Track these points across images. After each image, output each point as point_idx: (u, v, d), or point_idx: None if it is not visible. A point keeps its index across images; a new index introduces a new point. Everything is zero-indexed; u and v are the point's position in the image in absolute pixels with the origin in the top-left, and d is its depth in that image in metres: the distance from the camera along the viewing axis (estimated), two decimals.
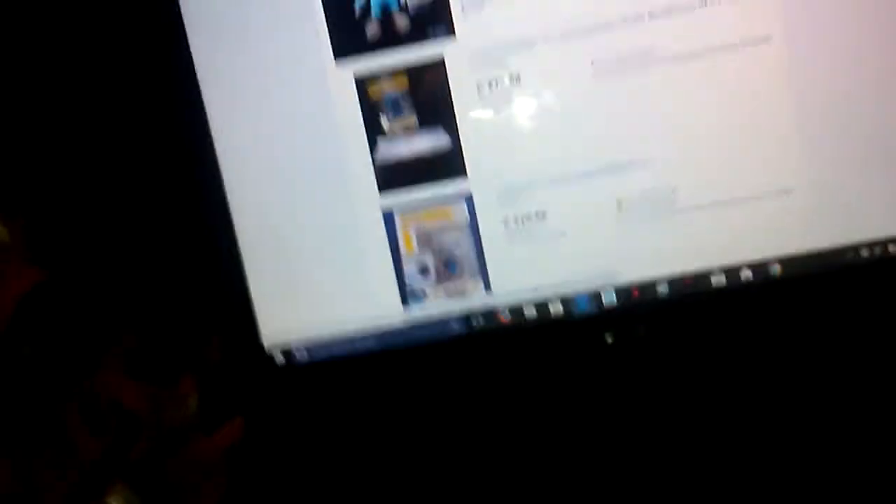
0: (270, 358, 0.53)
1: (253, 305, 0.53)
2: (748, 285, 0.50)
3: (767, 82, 0.48)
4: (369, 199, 0.52)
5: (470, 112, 0.50)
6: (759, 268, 0.50)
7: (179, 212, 0.55)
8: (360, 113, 0.51)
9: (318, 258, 0.52)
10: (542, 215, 0.51)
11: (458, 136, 0.50)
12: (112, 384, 0.53)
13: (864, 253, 0.49)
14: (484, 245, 0.51)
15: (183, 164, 0.53)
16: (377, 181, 0.51)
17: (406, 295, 0.52)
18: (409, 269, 0.52)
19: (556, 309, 0.52)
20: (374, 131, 0.51)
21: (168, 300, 0.56)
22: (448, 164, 0.51)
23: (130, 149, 0.56)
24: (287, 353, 0.54)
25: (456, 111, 0.50)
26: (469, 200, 0.51)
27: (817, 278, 0.49)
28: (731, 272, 0.50)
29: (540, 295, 0.52)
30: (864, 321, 0.50)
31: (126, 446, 0.50)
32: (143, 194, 0.56)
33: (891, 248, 0.49)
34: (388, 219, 0.52)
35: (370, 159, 0.51)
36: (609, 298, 0.51)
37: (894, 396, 0.47)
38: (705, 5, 0.48)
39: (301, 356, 0.54)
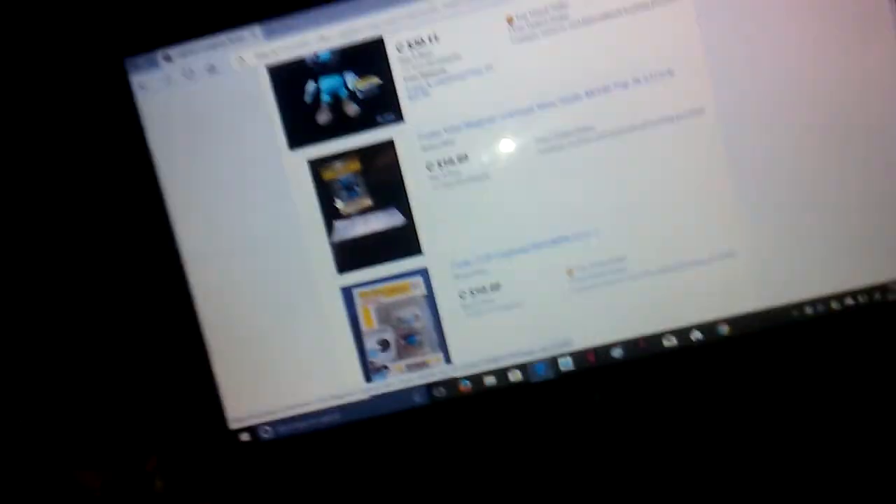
0: (235, 436, 0.54)
1: (218, 385, 0.54)
2: (698, 345, 0.52)
3: (704, 152, 0.51)
4: (328, 279, 0.53)
5: (421, 191, 0.53)
6: (709, 328, 0.52)
7: (143, 294, 0.56)
8: (315, 196, 0.53)
9: (281, 338, 0.54)
10: (496, 287, 0.53)
11: (412, 214, 0.53)
12: (75, 468, 0.54)
13: (808, 310, 0.51)
14: (442, 318, 0.53)
15: (145, 252, 0.55)
16: (335, 261, 0.53)
17: (368, 370, 0.54)
18: (370, 344, 0.54)
19: (515, 377, 0.53)
20: (330, 213, 0.53)
21: (131, 382, 0.57)
22: (403, 242, 0.53)
23: (91, 238, 0.58)
24: (252, 431, 0.55)
25: (408, 191, 0.53)
26: (425, 276, 0.53)
27: (764, 336, 0.52)
28: (682, 333, 0.52)
29: (499, 364, 0.54)
30: (809, 375, 0.52)
31: None
32: (106, 277, 0.58)
33: (833, 304, 0.51)
34: (348, 297, 0.53)
35: (327, 240, 0.53)
36: (566, 364, 0.53)
37: (841, 446, 0.48)
38: (639, 83, 0.50)
39: (266, 433, 0.55)
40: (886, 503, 0.44)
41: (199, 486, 0.56)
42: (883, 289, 0.51)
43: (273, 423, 0.55)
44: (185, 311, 0.54)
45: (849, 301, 0.51)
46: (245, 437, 0.55)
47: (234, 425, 0.55)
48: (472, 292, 0.53)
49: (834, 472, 0.47)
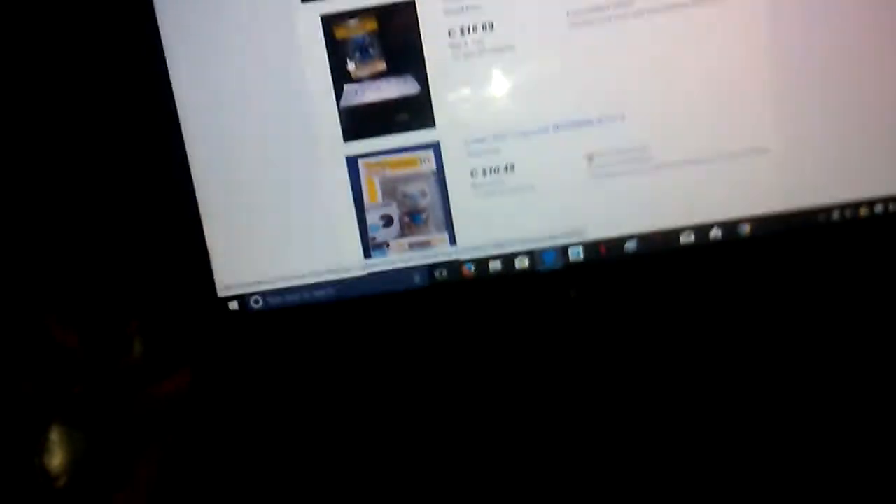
0: (224, 304, 0.52)
1: (208, 250, 0.52)
2: (716, 244, 0.51)
3: (745, 40, 0.49)
4: (333, 146, 0.52)
5: (440, 59, 0.50)
6: (730, 226, 0.51)
7: (133, 150, 0.53)
8: (325, 56, 0.50)
9: (279, 204, 0.52)
10: (510, 168, 0.50)
11: (428, 83, 0.50)
12: (53, 326, 0.52)
13: (835, 215, 0.50)
14: (450, 197, 0.51)
15: (138, 104, 0.52)
16: (342, 128, 0.51)
17: (368, 245, 0.52)
18: (373, 218, 0.52)
19: (522, 264, 0.52)
20: (340, 76, 0.51)
21: (117, 241, 0.54)
22: (416, 113, 0.51)
23: (82, 85, 0.54)
24: (241, 300, 0.53)
25: (426, 58, 0.50)
26: (437, 150, 0.51)
27: (785, 238, 0.51)
28: (701, 230, 0.51)
29: (506, 249, 0.52)
30: (832, 282, 0.51)
31: (63, 385, 0.49)
32: (95, 133, 0.55)
33: (862, 210, 0.50)
34: (352, 166, 0.51)
35: (335, 105, 0.50)
36: (576, 254, 0.51)
37: (862, 359, 0.47)
38: None
39: (256, 303, 0.53)
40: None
41: (181, 352, 0.54)
42: None
43: (264, 294, 0.53)
44: (177, 169, 0.52)
45: (878, 208, 0.49)
46: (234, 305, 0.54)
47: (223, 293, 0.54)
48: (484, 172, 0.51)
49: (843, 385, 0.46)
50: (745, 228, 0.51)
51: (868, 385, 0.45)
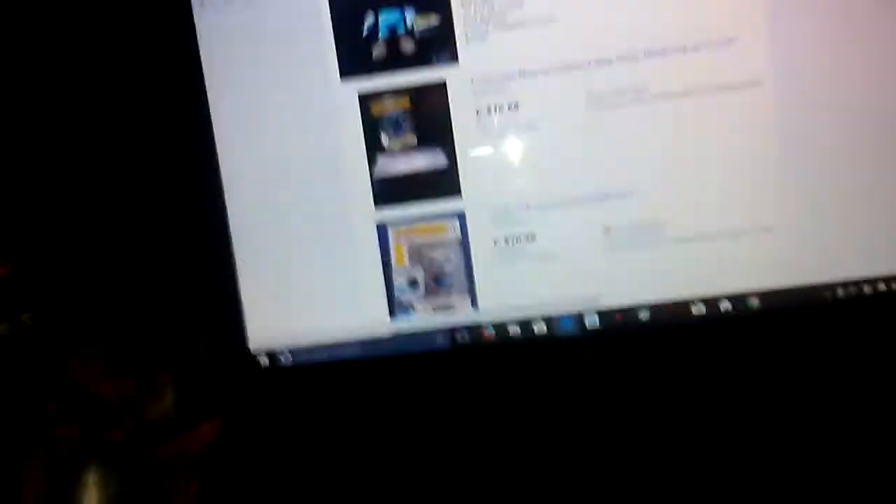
0: (255, 359, 0.55)
1: (242, 306, 0.55)
2: (727, 316, 0.53)
3: (756, 124, 0.52)
4: (365, 212, 0.55)
5: (468, 135, 0.54)
6: (738, 300, 0.53)
7: (176, 208, 0.56)
8: (361, 129, 0.54)
9: (311, 265, 0.55)
10: (531, 237, 0.53)
11: (455, 156, 0.54)
12: (89, 376, 0.54)
13: (840, 292, 0.52)
14: (473, 262, 0.54)
15: (183, 163, 0.56)
16: (374, 195, 0.54)
17: (394, 307, 0.54)
18: (399, 281, 0.54)
19: (540, 328, 0.54)
20: (374, 147, 0.54)
21: (154, 294, 0.57)
22: (444, 183, 0.54)
23: (129, 142, 0.58)
24: (272, 356, 0.55)
25: (454, 133, 0.54)
26: (462, 219, 0.54)
27: (794, 313, 0.53)
28: (711, 302, 0.53)
29: (525, 314, 0.54)
30: (837, 357, 0.52)
31: (102, 432, 0.51)
32: (137, 186, 0.59)
33: (865, 288, 0.51)
34: (382, 232, 0.54)
35: (368, 174, 0.53)
36: (592, 321, 0.54)
37: (865, 429, 0.48)
38: (698, 49, 0.51)
39: (286, 359, 0.56)
40: None
41: (213, 403, 0.56)
42: None
43: (293, 351, 0.56)
44: (217, 229, 0.55)
45: (881, 286, 0.52)
46: (264, 360, 0.56)
47: (253, 348, 0.56)
48: (506, 240, 0.54)
49: (854, 455, 0.47)
50: (754, 302, 0.53)
51: (870, 459, 0.47)
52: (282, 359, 0.57)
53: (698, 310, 0.54)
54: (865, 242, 0.52)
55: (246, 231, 0.56)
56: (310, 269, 0.56)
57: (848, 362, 0.53)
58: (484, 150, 0.54)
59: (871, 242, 0.52)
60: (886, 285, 0.52)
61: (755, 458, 0.49)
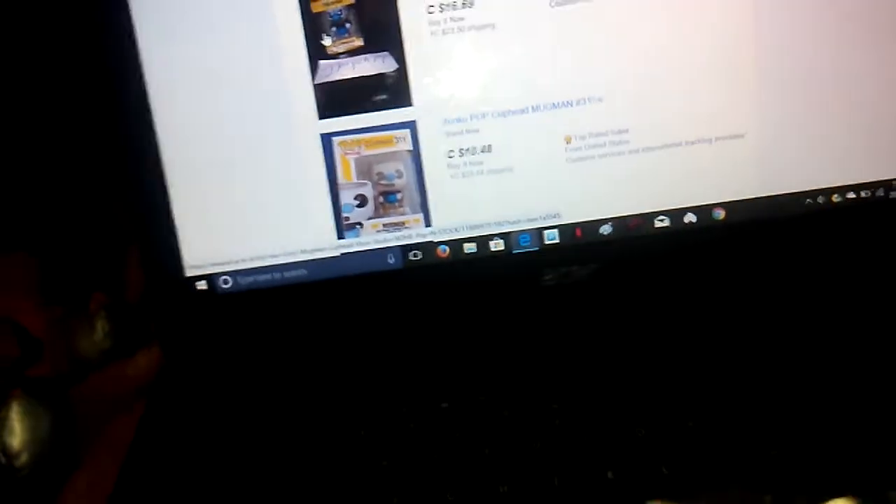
0: (192, 284, 0.52)
1: (175, 228, 0.51)
2: (691, 229, 0.52)
3: (727, 26, 0.49)
4: (307, 124, 0.51)
5: (419, 36, 0.50)
6: (704, 211, 0.51)
7: (100, 124, 0.51)
8: (301, 30, 0.49)
9: (250, 182, 0.51)
10: (487, 149, 0.50)
11: (405, 60, 0.50)
12: (14, 307, 0.50)
13: (808, 201, 0.51)
14: (426, 177, 0.51)
15: (104, 75, 0.50)
16: (317, 104, 0.50)
17: (342, 225, 0.52)
18: (346, 198, 0.51)
19: (497, 245, 0.52)
20: (315, 51, 0.50)
21: (80, 218, 0.53)
22: (393, 91, 0.50)
23: (45, 53, 0.53)
24: (210, 280, 0.52)
25: (404, 34, 0.49)
26: (413, 129, 0.51)
27: (759, 224, 0.51)
28: (676, 215, 0.51)
29: (481, 231, 0.52)
30: (801, 269, 0.52)
31: (24, 364, 0.48)
32: (55, 101, 0.53)
33: (834, 197, 0.50)
34: (327, 145, 0.51)
35: (310, 81, 0.49)
36: (551, 236, 0.51)
37: (838, 342, 0.48)
38: None
39: (225, 284, 0.52)
40: (874, 401, 0.44)
41: (147, 334, 0.53)
42: (887, 185, 0.50)
43: (234, 274, 0.52)
44: (145, 145, 0.50)
45: (850, 195, 0.51)
46: (201, 285, 0.53)
47: (190, 272, 0.52)
48: (461, 152, 0.51)
49: (825, 369, 0.46)
50: (720, 213, 0.51)
51: (842, 371, 0.46)
52: (221, 283, 0.53)
53: (662, 223, 0.52)
54: (837, 151, 0.50)
55: (178, 146, 0.51)
56: (249, 188, 0.51)
57: (817, 274, 0.52)
58: (437, 53, 0.49)
59: (844, 151, 0.50)
60: (855, 194, 0.51)
61: (720, 374, 0.47)
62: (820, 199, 0.51)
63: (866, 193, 0.51)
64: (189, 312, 0.53)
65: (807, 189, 0.51)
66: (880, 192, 0.51)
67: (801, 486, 0.39)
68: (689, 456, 0.42)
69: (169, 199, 0.51)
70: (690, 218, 0.52)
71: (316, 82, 0.50)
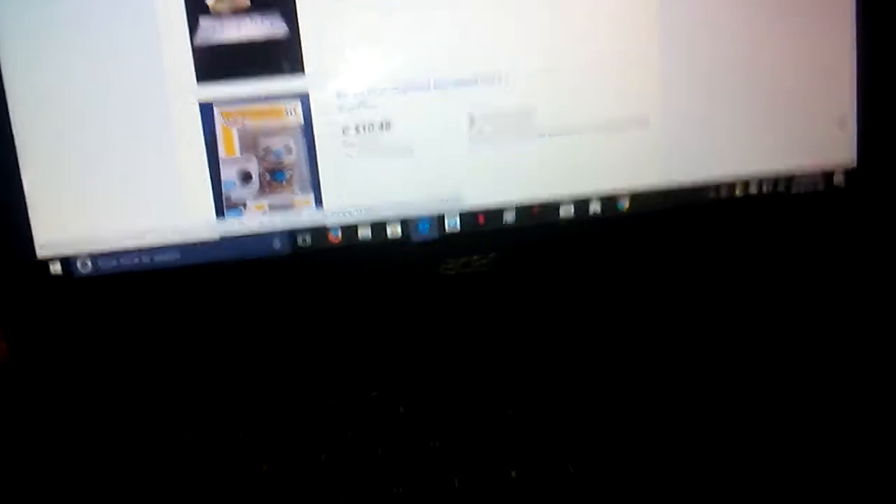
0: (44, 266, 0.45)
1: (25, 203, 0.45)
2: (594, 219, 0.50)
3: (633, 7, 0.48)
4: (184, 89, 0.46)
5: None
6: (609, 200, 0.50)
7: None
8: None
9: (118, 154, 0.46)
10: (386, 125, 0.47)
11: (297, 24, 0.45)
12: None
13: (711, 193, 0.50)
14: (318, 153, 0.47)
15: None
16: (196, 68, 0.45)
17: (222, 205, 0.47)
18: (228, 174, 0.47)
19: (394, 231, 0.48)
20: (195, 7, 0.45)
21: None
22: (283, 57, 0.46)
23: None
24: (66, 263, 0.46)
25: None
26: (305, 100, 0.46)
27: (662, 215, 0.51)
28: (580, 203, 0.50)
29: (377, 215, 0.48)
30: (701, 259, 0.52)
31: None
32: None
33: (737, 190, 0.50)
34: (206, 113, 0.46)
35: (188, 41, 0.44)
36: (452, 224, 0.49)
37: (735, 334, 0.48)
38: None
39: (84, 267, 0.46)
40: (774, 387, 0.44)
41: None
42: (788, 179, 0.51)
43: (94, 256, 0.47)
44: None
45: (752, 189, 0.51)
46: (56, 268, 0.46)
47: (42, 253, 0.46)
48: (357, 129, 0.47)
49: (731, 359, 0.46)
50: (624, 203, 0.50)
51: (749, 361, 0.46)
52: (79, 266, 0.47)
53: (566, 211, 0.50)
54: (741, 142, 0.50)
55: (29, 110, 0.44)
56: (116, 159, 0.45)
57: (718, 265, 0.52)
58: (332, 17, 0.45)
59: (747, 143, 0.50)
60: (758, 187, 0.51)
61: (627, 370, 0.46)
62: (723, 192, 0.51)
63: (768, 187, 0.51)
64: (40, 299, 0.47)
65: (710, 180, 0.50)
66: (781, 187, 0.51)
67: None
68: (593, 456, 0.41)
69: (18, 169, 0.45)
70: (595, 207, 0.50)
71: (195, 43, 0.45)
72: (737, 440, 0.40)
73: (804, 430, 0.41)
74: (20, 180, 0.45)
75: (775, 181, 0.51)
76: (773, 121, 0.50)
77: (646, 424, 0.42)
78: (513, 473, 0.39)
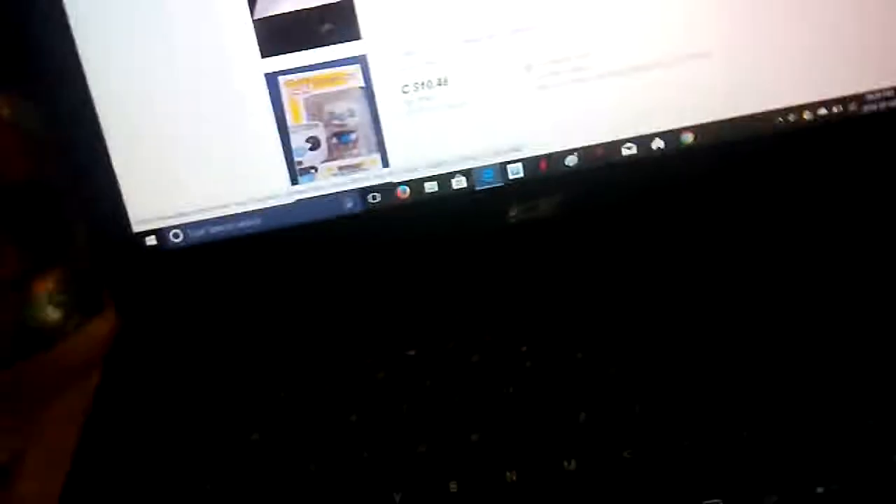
0: (140, 240, 0.49)
1: (118, 182, 0.48)
2: (659, 155, 0.50)
3: None
4: (250, 64, 0.48)
5: None
6: (672, 136, 0.50)
7: (28, 73, 0.48)
8: None
9: (193, 131, 0.49)
10: (444, 81, 0.48)
11: None
12: None
13: (779, 120, 0.49)
14: (381, 114, 0.49)
15: (32, 28, 0.46)
16: (258, 42, 0.47)
17: (294, 171, 0.50)
18: (298, 141, 0.49)
19: (459, 183, 0.50)
20: None
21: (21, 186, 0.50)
22: (340, 23, 0.48)
23: None
24: (160, 235, 0.50)
25: None
26: (364, 64, 0.48)
27: (728, 146, 0.50)
28: (643, 141, 0.50)
29: (441, 169, 0.50)
30: (773, 190, 0.51)
31: None
32: None
33: (805, 114, 0.49)
34: (272, 85, 0.48)
35: (249, 16, 0.46)
36: (515, 170, 0.50)
37: (816, 267, 0.48)
38: None
39: (175, 238, 0.50)
40: (854, 332, 0.43)
41: (99, 299, 0.51)
42: (859, 99, 0.49)
43: (184, 227, 0.50)
44: (76, 94, 0.47)
45: (822, 111, 0.49)
46: (151, 240, 0.50)
47: (138, 227, 0.50)
48: (416, 86, 0.48)
49: (803, 294, 0.46)
50: (688, 137, 0.50)
51: (821, 295, 0.46)
52: (171, 237, 0.50)
53: (629, 150, 0.50)
54: (806, 66, 0.49)
55: (112, 96, 0.47)
56: (192, 136, 0.48)
57: (790, 197, 0.51)
58: None
59: (812, 66, 0.49)
60: (827, 110, 0.49)
61: (695, 310, 0.47)
62: (791, 118, 0.49)
63: (838, 109, 0.49)
64: (141, 271, 0.51)
65: (776, 108, 0.49)
66: (852, 107, 0.49)
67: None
68: (661, 396, 0.41)
69: (108, 153, 0.48)
70: (658, 144, 0.50)
71: (255, 17, 0.47)
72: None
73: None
74: (111, 164, 0.49)
75: (845, 102, 0.49)
76: (837, 40, 0.48)
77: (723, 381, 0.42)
78: (581, 416, 0.41)
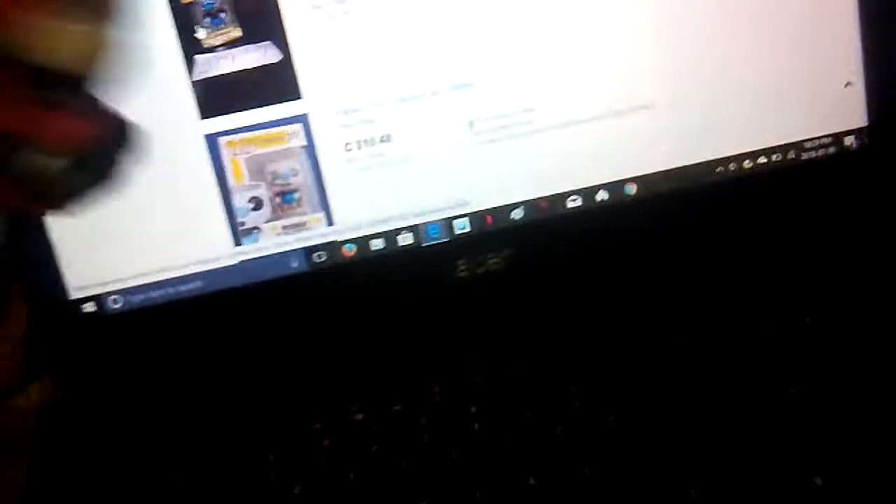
0: (77, 307, 0.48)
1: (54, 248, 0.47)
2: (603, 206, 0.50)
3: None
4: (189, 125, 0.47)
5: (301, 21, 0.47)
6: (616, 187, 0.50)
7: None
8: (172, 23, 0.45)
9: (133, 193, 0.46)
10: (387, 138, 0.48)
11: (289, 49, 0.47)
12: None
13: (719, 169, 0.50)
14: (324, 173, 0.48)
15: None
16: (197, 104, 0.47)
17: (237, 232, 0.49)
18: (240, 202, 0.48)
19: (406, 239, 0.50)
20: (189, 45, 0.46)
21: None
22: (279, 83, 0.47)
23: None
24: (98, 301, 0.48)
25: (285, 21, 0.46)
26: (305, 123, 0.48)
27: (671, 196, 0.51)
28: (588, 193, 0.50)
29: (387, 225, 0.50)
30: (715, 237, 0.52)
31: None
32: None
33: (745, 163, 0.50)
34: (213, 146, 0.48)
35: (187, 78, 0.46)
36: (462, 226, 0.50)
37: (747, 311, 0.48)
38: None
39: (115, 304, 0.49)
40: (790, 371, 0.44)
41: (36, 366, 0.49)
42: (798, 147, 0.50)
43: (124, 292, 0.49)
44: None
45: (762, 159, 0.50)
46: (89, 307, 0.49)
47: (75, 294, 0.49)
48: (359, 144, 0.48)
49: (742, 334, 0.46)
50: (632, 188, 0.50)
51: (762, 341, 0.46)
52: (111, 303, 0.49)
53: (574, 203, 0.51)
54: (746, 116, 0.50)
55: None
56: (133, 199, 0.47)
57: (731, 241, 0.51)
58: (322, 39, 0.46)
59: (752, 115, 0.50)
60: (766, 158, 0.50)
61: (646, 359, 0.47)
62: (732, 167, 0.50)
63: (777, 157, 0.50)
64: (79, 337, 0.50)
65: (718, 157, 0.50)
66: (791, 155, 0.50)
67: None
68: (609, 451, 0.41)
69: (44, 221, 0.47)
70: (603, 195, 0.50)
71: (194, 79, 0.47)
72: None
73: (834, 413, 0.41)
74: (46, 229, 0.47)
75: (784, 151, 0.50)
76: (776, 89, 0.49)
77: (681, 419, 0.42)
78: (531, 481, 0.40)
